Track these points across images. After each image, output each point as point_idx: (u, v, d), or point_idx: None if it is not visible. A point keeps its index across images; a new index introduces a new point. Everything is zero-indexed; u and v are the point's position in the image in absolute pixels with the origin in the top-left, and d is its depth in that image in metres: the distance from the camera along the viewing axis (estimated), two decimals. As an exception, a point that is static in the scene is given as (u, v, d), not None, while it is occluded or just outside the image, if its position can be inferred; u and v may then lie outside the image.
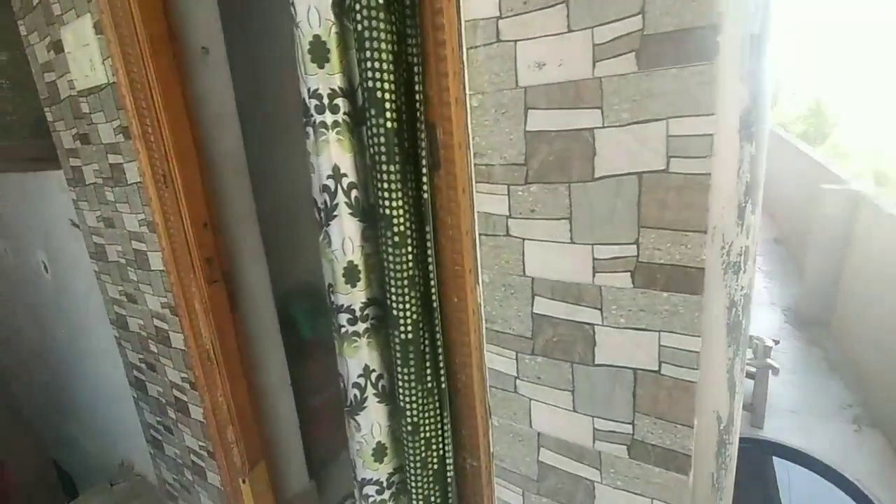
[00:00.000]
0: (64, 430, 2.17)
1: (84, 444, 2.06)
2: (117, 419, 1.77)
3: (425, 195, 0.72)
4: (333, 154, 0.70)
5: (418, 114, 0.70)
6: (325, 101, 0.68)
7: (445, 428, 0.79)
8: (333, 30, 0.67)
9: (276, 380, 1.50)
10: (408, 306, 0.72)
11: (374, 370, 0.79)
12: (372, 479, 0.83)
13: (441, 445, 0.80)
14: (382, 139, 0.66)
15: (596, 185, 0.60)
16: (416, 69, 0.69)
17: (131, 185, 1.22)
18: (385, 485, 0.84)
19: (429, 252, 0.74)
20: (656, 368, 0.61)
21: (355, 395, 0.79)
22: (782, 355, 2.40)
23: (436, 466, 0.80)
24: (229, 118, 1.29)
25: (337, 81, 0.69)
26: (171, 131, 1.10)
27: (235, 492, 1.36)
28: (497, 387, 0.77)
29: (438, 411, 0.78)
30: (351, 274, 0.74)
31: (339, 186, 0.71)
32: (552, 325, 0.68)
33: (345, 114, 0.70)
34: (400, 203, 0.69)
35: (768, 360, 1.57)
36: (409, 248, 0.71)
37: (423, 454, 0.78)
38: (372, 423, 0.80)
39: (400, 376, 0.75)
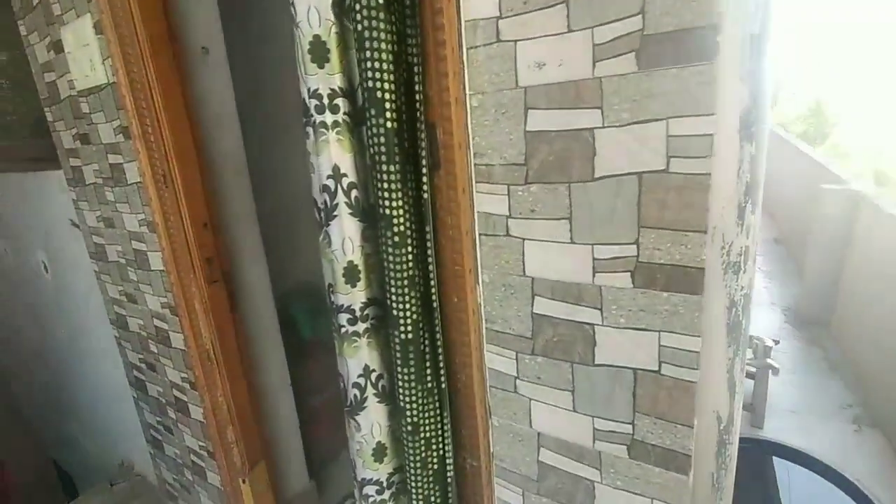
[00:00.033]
0: (64, 429, 2.17)
1: (84, 444, 2.06)
2: (117, 419, 1.77)
3: (425, 195, 0.72)
4: (333, 154, 0.70)
5: (418, 114, 0.70)
6: (325, 101, 0.68)
7: (445, 428, 0.79)
8: (333, 30, 0.67)
9: (276, 380, 1.50)
10: (408, 306, 0.72)
11: (374, 370, 0.79)
12: (372, 479, 0.83)
13: (441, 445, 0.80)
14: (382, 139, 0.66)
15: (596, 185, 0.60)
16: (416, 69, 0.69)
17: (131, 185, 1.22)
18: (385, 485, 0.84)
19: (429, 252, 0.74)
20: (656, 368, 0.61)
21: (355, 395, 0.79)
22: (782, 355, 2.40)
23: (436, 466, 0.80)
24: (229, 118, 1.29)
25: (337, 81, 0.69)
26: (171, 131, 1.10)
27: (235, 492, 1.36)
28: (497, 387, 0.77)
29: (438, 411, 0.78)
30: (351, 274, 0.74)
31: (339, 186, 0.71)
32: (552, 325, 0.68)
33: (345, 114, 0.70)
34: (400, 203, 0.69)
35: (768, 361, 1.57)
36: (409, 248, 0.71)
37: (423, 454, 0.78)
38: (372, 423, 0.80)
39: (400, 376, 0.75)
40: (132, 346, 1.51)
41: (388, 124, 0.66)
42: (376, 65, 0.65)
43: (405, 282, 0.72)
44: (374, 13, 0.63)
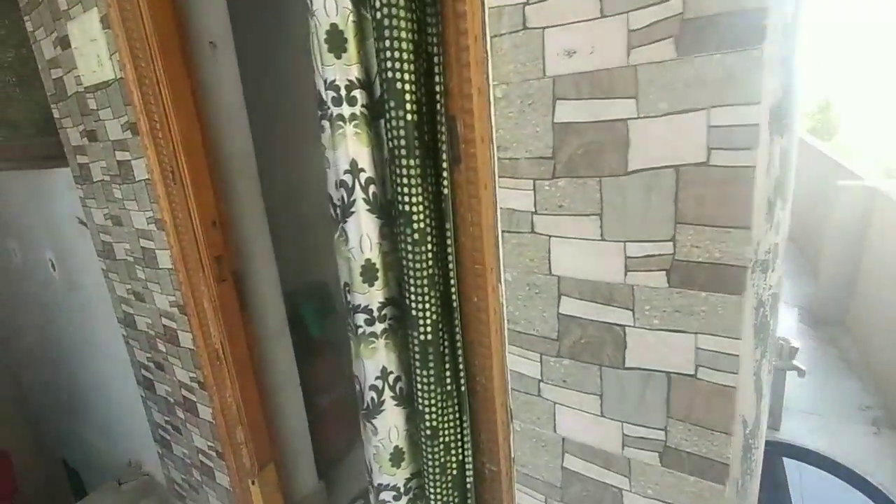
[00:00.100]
0: (73, 428, 2.16)
1: (92, 442, 2.06)
2: (125, 418, 1.76)
3: (445, 191, 0.69)
4: (351, 148, 0.67)
5: (438, 106, 0.67)
6: (343, 92, 0.66)
7: (465, 432, 0.77)
8: (351, 18, 0.64)
9: (285, 380, 1.48)
10: (427, 306, 0.70)
11: (391, 372, 0.76)
12: (389, 484, 0.80)
13: (460, 450, 0.77)
14: (402, 132, 0.64)
15: (629, 179, 0.57)
16: (436, 59, 0.66)
17: (139, 182, 1.20)
18: (402, 490, 0.81)
19: (449, 250, 0.71)
20: (692, 372, 0.58)
21: (372, 398, 0.76)
22: (798, 355, 2.35)
23: (455, 472, 0.77)
24: (238, 114, 1.26)
25: (354, 72, 0.66)
26: (180, 127, 1.08)
27: (244, 493, 1.35)
28: (519, 390, 0.74)
29: (458, 415, 0.76)
30: (369, 273, 0.72)
31: (356, 181, 0.68)
32: (580, 327, 0.65)
33: (362, 106, 0.67)
34: (420, 199, 0.67)
35: (794, 362, 1.53)
36: (429, 246, 0.69)
37: (442, 459, 0.76)
38: (389, 426, 0.78)
39: (419, 379, 0.72)
40: (140, 345, 1.50)
41: (409, 117, 0.63)
42: (396, 54, 0.62)
43: (425, 281, 0.69)
44: (393, 1, 0.60)
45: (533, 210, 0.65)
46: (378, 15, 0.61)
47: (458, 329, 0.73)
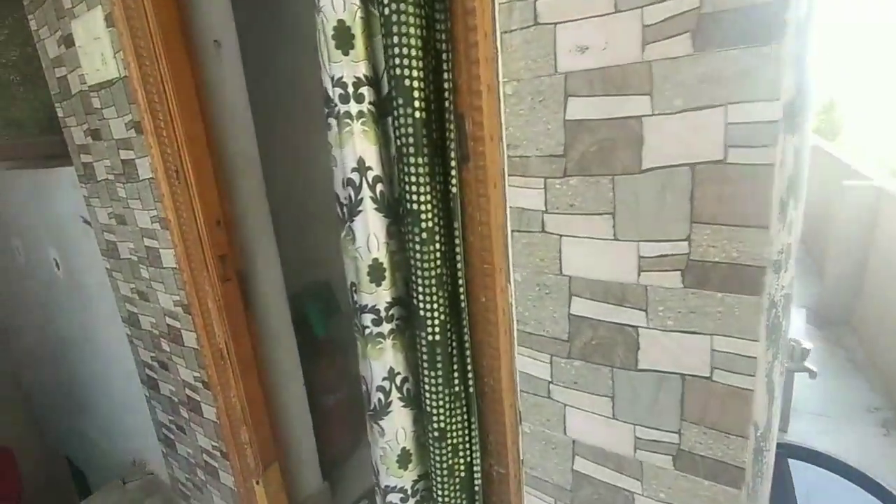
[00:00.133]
0: (77, 426, 2.17)
1: (97, 441, 2.06)
2: (129, 417, 1.76)
3: (454, 189, 0.68)
4: (358, 146, 0.66)
5: (447, 103, 0.66)
6: (350, 89, 0.65)
7: (473, 434, 0.76)
8: (359, 14, 0.63)
9: (290, 379, 1.48)
10: (435, 306, 0.69)
11: (398, 373, 0.75)
12: (396, 486, 0.79)
13: (468, 452, 0.76)
14: (410, 129, 0.63)
15: (643, 177, 0.56)
16: (444, 56, 0.65)
17: (143, 181, 1.19)
18: (409, 492, 0.80)
19: (457, 250, 0.70)
20: (707, 374, 0.57)
21: (379, 399, 0.76)
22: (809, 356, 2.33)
23: (463, 474, 0.76)
24: (242, 112, 1.26)
25: (362, 69, 0.65)
26: (184, 126, 1.07)
27: (249, 493, 1.34)
28: (528, 391, 0.73)
29: (466, 416, 0.75)
30: (376, 272, 0.71)
31: (363, 180, 0.67)
32: (591, 328, 0.64)
33: (370, 103, 0.66)
34: (428, 198, 0.66)
35: (805, 364, 1.51)
36: (437, 246, 0.68)
37: (450, 461, 0.75)
38: (396, 428, 0.77)
39: (426, 380, 0.71)
40: (144, 345, 1.49)
41: (417, 114, 0.63)
42: (404, 51, 0.61)
43: (433, 281, 0.68)
44: (402, -5, 0.59)
45: (543, 209, 0.64)
46: (386, 11, 0.60)
47: (466, 330, 0.72)
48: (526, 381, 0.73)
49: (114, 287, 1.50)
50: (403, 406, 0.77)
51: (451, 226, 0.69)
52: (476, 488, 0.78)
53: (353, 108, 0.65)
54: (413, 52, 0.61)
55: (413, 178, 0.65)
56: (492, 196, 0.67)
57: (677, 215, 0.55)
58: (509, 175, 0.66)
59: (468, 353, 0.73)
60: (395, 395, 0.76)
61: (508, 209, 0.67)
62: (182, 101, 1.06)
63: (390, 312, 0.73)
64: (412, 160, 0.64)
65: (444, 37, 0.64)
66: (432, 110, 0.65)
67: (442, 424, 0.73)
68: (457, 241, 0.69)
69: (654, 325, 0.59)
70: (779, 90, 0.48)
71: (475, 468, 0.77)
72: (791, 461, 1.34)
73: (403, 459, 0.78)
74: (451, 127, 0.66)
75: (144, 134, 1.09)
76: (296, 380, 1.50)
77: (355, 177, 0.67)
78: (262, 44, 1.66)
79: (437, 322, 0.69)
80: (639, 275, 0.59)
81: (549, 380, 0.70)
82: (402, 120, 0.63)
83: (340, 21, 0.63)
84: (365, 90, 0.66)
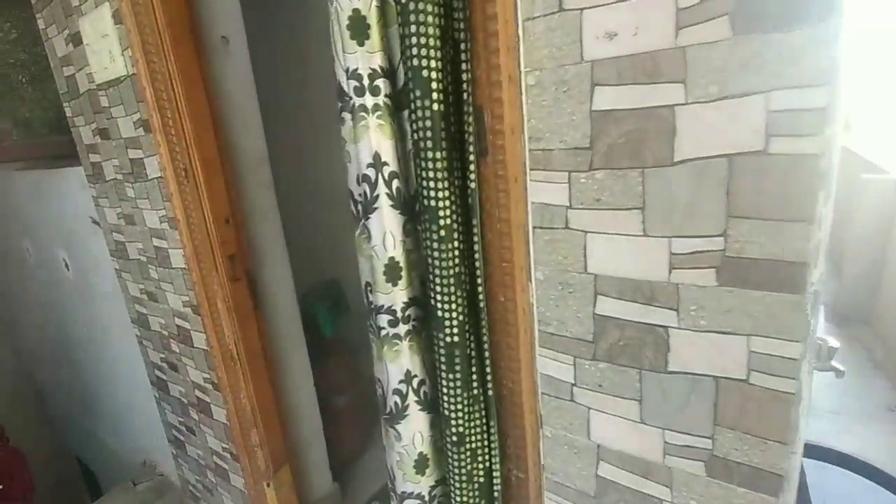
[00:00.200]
0: (88, 427, 2.17)
1: (107, 442, 2.06)
2: (139, 418, 1.76)
3: (472, 185, 0.65)
4: (374, 140, 0.64)
5: (465, 95, 0.63)
6: (366, 81, 0.62)
7: (492, 438, 0.73)
8: (374, 3, 0.61)
9: (300, 380, 1.46)
10: (454, 307, 0.66)
11: (415, 375, 0.73)
12: (413, 492, 0.77)
13: (488, 457, 0.74)
14: (429, 123, 0.60)
15: (676, 169, 0.53)
16: (462, 46, 0.62)
17: (152, 180, 1.18)
18: (427, 499, 0.78)
19: (475, 247, 0.67)
20: (744, 377, 0.54)
21: (396, 403, 0.73)
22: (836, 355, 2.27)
23: (482, 479, 0.74)
24: (251, 110, 1.24)
25: (378, 60, 0.62)
26: (193, 124, 1.05)
27: (259, 495, 1.33)
28: (550, 394, 0.71)
29: (485, 420, 0.72)
30: (392, 272, 0.68)
31: (380, 176, 0.65)
32: (618, 328, 0.61)
33: (386, 96, 0.64)
34: (446, 194, 0.63)
35: (832, 363, 1.46)
36: (456, 244, 0.65)
37: (469, 466, 0.72)
38: (413, 432, 0.75)
39: (444, 382, 0.69)
40: (153, 346, 1.48)
41: (435, 107, 0.60)
42: (422, 41, 0.58)
43: (451, 280, 0.66)
44: (420, -17, 0.56)
45: (567, 204, 0.61)
46: (403, -1, 0.58)
47: (485, 330, 0.70)
48: (547, 384, 0.70)
49: (123, 288, 1.49)
50: (420, 410, 0.75)
51: (470, 223, 0.67)
52: (495, 494, 0.75)
53: (369, 101, 0.63)
54: (431, 42, 0.59)
55: (430, 174, 0.62)
56: (512, 191, 0.64)
57: (712, 210, 0.52)
58: (531, 169, 0.63)
59: (487, 354, 0.71)
60: (411, 398, 0.74)
61: (530, 205, 0.65)
62: (190, 98, 1.04)
63: (407, 313, 0.71)
64: (430, 155, 0.62)
65: (462, 26, 0.61)
66: (450, 103, 0.63)
67: (460, 428, 0.70)
68: (475, 238, 0.67)
69: (686, 326, 0.56)
70: (827, 74, 0.45)
71: (494, 473, 0.74)
72: (806, 460, 1.31)
73: (420, 465, 0.76)
74: (470, 120, 0.64)
75: (153, 132, 1.08)
76: (306, 380, 1.48)
77: (371, 172, 0.65)
78: (271, 39, 1.64)
79: (455, 323, 0.67)
80: (670, 272, 0.56)
81: (573, 382, 0.68)
82: (419, 113, 0.60)
83: (356, 10, 0.60)
84: (381, 82, 0.63)
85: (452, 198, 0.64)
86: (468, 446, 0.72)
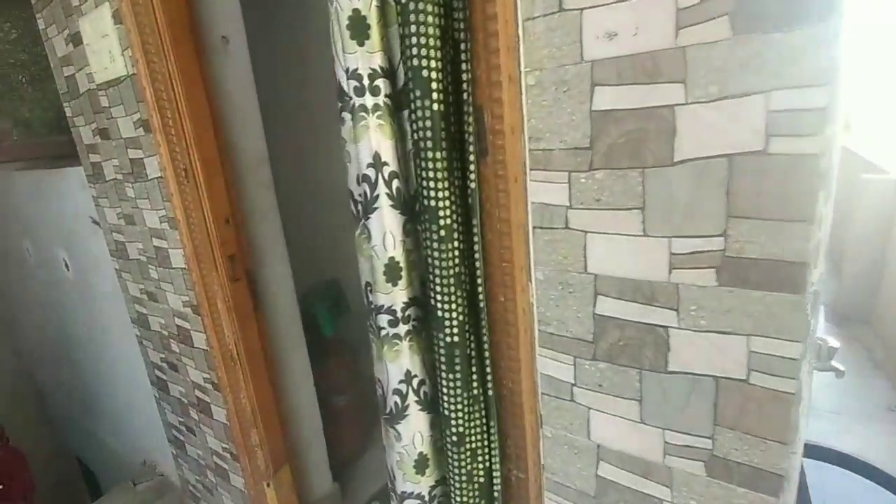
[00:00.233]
0: (88, 427, 2.17)
1: (107, 442, 2.06)
2: (139, 418, 1.76)
3: (472, 185, 0.65)
4: (374, 140, 0.64)
5: (465, 95, 0.63)
6: (366, 81, 0.62)
7: (492, 438, 0.73)
8: (374, 3, 0.61)
9: (300, 380, 1.46)
10: (454, 307, 0.66)
11: (415, 375, 0.73)
12: (413, 492, 0.77)
13: (488, 457, 0.74)
14: (429, 123, 0.60)
15: (675, 169, 0.53)
16: (462, 46, 0.62)
17: (152, 180, 1.18)
18: (427, 499, 0.78)
19: (475, 247, 0.67)
20: (744, 377, 0.54)
21: (396, 403, 0.73)
22: (836, 355, 2.27)
23: (482, 479, 0.74)
24: (251, 110, 1.24)
25: (378, 60, 0.62)
26: (192, 124, 1.05)
27: (259, 495, 1.33)
28: (550, 394, 0.71)
29: (485, 420, 0.72)
30: (392, 272, 0.68)
31: (379, 176, 0.65)
32: (618, 328, 0.61)
33: (386, 96, 0.64)
34: (446, 194, 0.63)
35: (832, 363, 1.46)
36: (456, 244, 0.65)
37: (469, 466, 0.72)
38: (413, 432, 0.75)
39: (444, 382, 0.69)
40: (153, 346, 1.48)
41: (435, 107, 0.60)
42: (422, 41, 0.58)
43: (451, 280, 0.66)
44: (420, -18, 0.56)
45: (567, 204, 0.61)
46: (403, -1, 0.58)
47: (485, 330, 0.70)
48: (547, 384, 0.70)
49: (123, 288, 1.49)
50: (420, 410, 0.75)
51: (470, 223, 0.67)
52: (495, 494, 0.75)
53: (369, 101, 0.63)
54: (431, 42, 0.59)
55: (430, 174, 0.62)
56: (512, 191, 0.64)
57: (712, 210, 0.52)
58: (531, 169, 0.63)
59: (487, 354, 0.71)
60: (411, 398, 0.74)
61: (530, 205, 0.65)
62: (190, 98, 1.04)
63: (407, 313, 0.71)
64: (430, 155, 0.62)
65: (462, 26, 0.61)
66: (450, 103, 0.63)
67: (460, 428, 0.70)
68: (475, 238, 0.67)
69: (686, 326, 0.56)
70: (827, 74, 0.45)
71: (494, 473, 0.74)
72: (806, 460, 1.31)
73: (420, 465, 0.76)
74: (470, 120, 0.64)
75: (153, 132, 1.08)
76: (306, 380, 1.48)
77: (371, 172, 0.65)
78: (271, 39, 1.64)
79: (455, 323, 0.67)
80: (670, 272, 0.56)
81: (572, 382, 0.68)
82: (419, 113, 0.60)
83: (356, 10, 0.60)
84: (381, 82, 0.63)
85: (452, 198, 0.64)
86: (468, 446, 0.72)
